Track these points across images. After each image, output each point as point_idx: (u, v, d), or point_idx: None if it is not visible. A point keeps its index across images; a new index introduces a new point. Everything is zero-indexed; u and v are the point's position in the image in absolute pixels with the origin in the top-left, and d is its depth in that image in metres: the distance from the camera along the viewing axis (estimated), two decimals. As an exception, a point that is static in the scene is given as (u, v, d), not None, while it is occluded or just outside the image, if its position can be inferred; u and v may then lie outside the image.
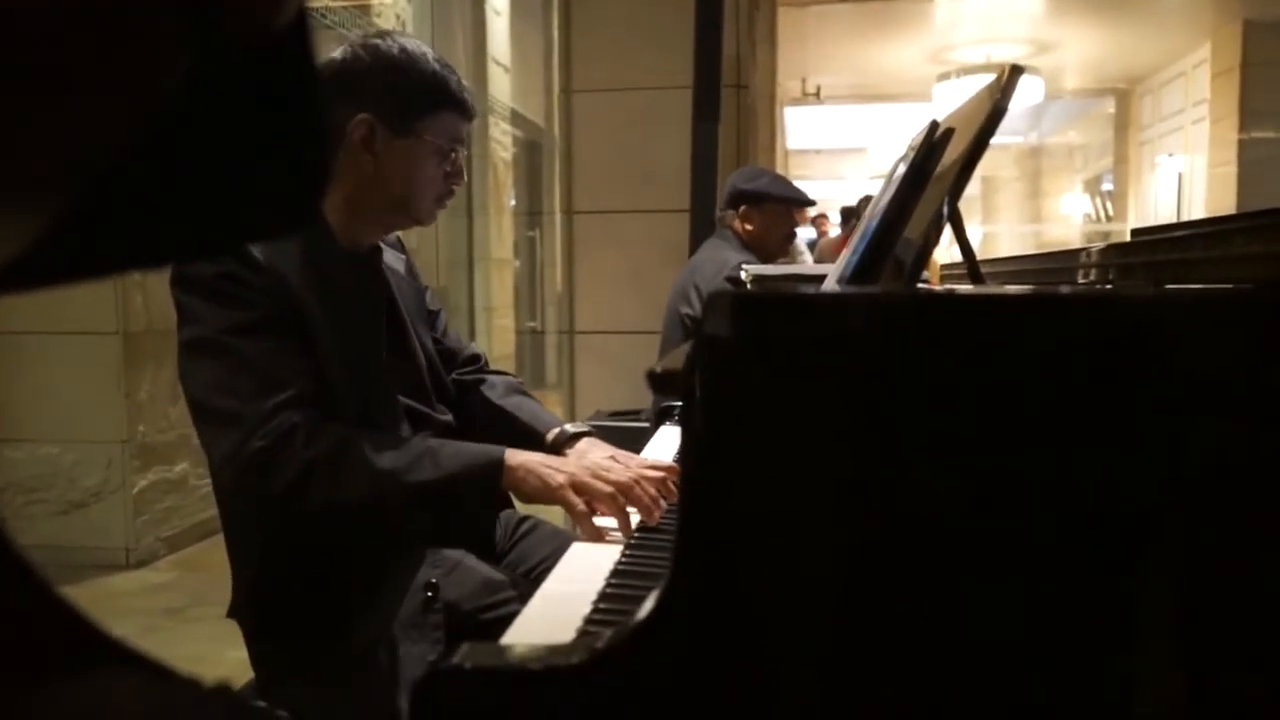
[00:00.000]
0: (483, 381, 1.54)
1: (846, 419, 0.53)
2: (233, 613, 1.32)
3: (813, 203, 2.63)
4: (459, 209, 7.41)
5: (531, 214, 8.92)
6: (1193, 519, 0.50)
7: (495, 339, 7.66)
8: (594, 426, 2.93)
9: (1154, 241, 0.77)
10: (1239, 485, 0.50)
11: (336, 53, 1.29)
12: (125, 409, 3.67)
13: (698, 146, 2.97)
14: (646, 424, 2.67)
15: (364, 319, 1.32)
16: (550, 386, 6.43)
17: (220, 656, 2.67)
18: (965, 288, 0.59)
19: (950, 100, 9.14)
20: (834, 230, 8.81)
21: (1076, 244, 12.96)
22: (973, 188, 17.03)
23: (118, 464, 3.68)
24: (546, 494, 1.20)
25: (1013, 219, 14.95)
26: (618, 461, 1.28)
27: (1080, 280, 0.98)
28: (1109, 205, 12.05)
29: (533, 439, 1.40)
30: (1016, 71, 0.82)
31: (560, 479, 1.19)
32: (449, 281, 7.54)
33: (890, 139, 13.41)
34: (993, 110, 0.83)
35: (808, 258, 6.88)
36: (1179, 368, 0.50)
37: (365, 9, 6.02)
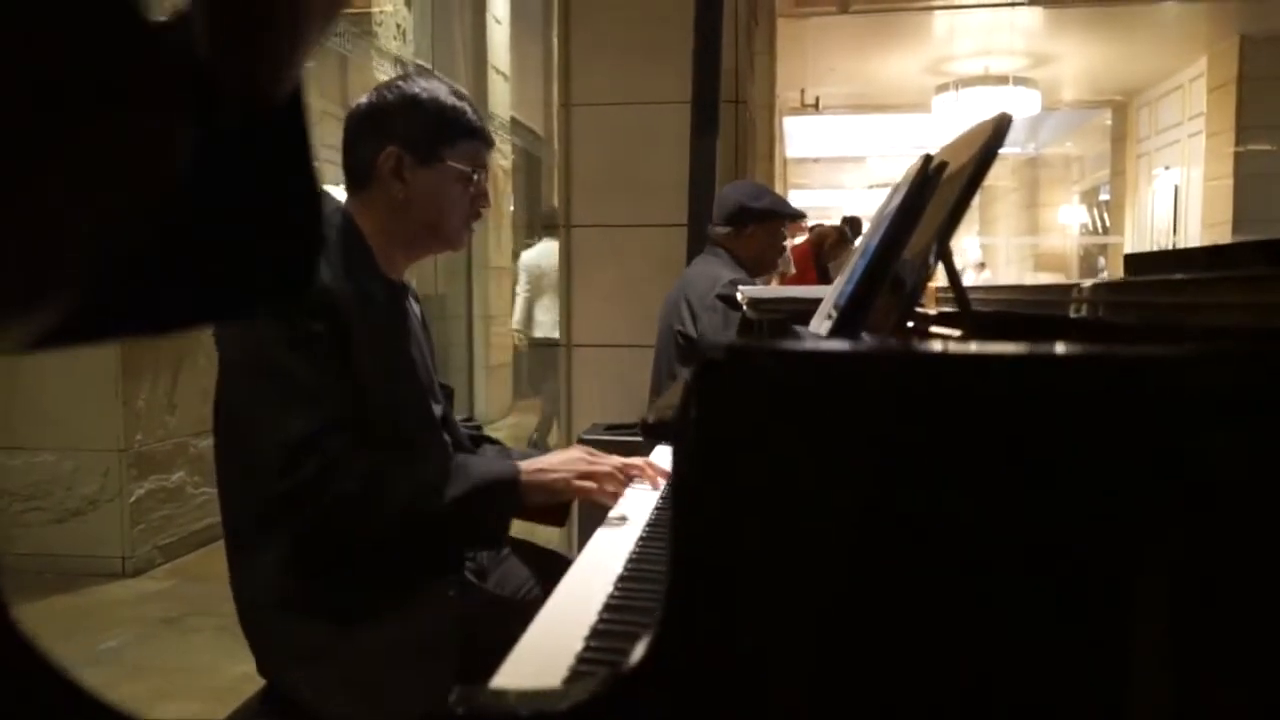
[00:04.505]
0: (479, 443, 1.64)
1: (836, 473, 0.54)
2: (246, 618, 1.35)
3: (803, 215, 2.66)
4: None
5: (530, 222, 8.94)
6: (1179, 585, 0.52)
7: (493, 346, 7.68)
8: (590, 440, 2.95)
9: (1148, 283, 0.78)
10: (1221, 554, 0.51)
11: (364, 97, 1.42)
12: (123, 418, 3.68)
13: (696, 162, 2.98)
14: (640, 439, 2.68)
15: (402, 341, 1.42)
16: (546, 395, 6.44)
17: (215, 667, 2.68)
18: (952, 344, 0.61)
19: (949, 111, 9.18)
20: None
21: (1074, 255, 13.01)
22: (970, 197, 17.10)
23: (115, 472, 3.69)
24: (560, 489, 1.32)
25: (1010, 229, 14.99)
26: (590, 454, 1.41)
27: (1071, 312, 1.00)
28: (1106, 216, 12.10)
29: None
30: (1007, 119, 0.84)
31: (566, 474, 1.32)
32: (448, 289, 7.56)
33: (889, 148, 13.47)
34: (983, 155, 0.84)
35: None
36: (1165, 429, 0.52)
37: (366, 18, 6.04)
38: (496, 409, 7.66)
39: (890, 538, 0.54)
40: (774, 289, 1.74)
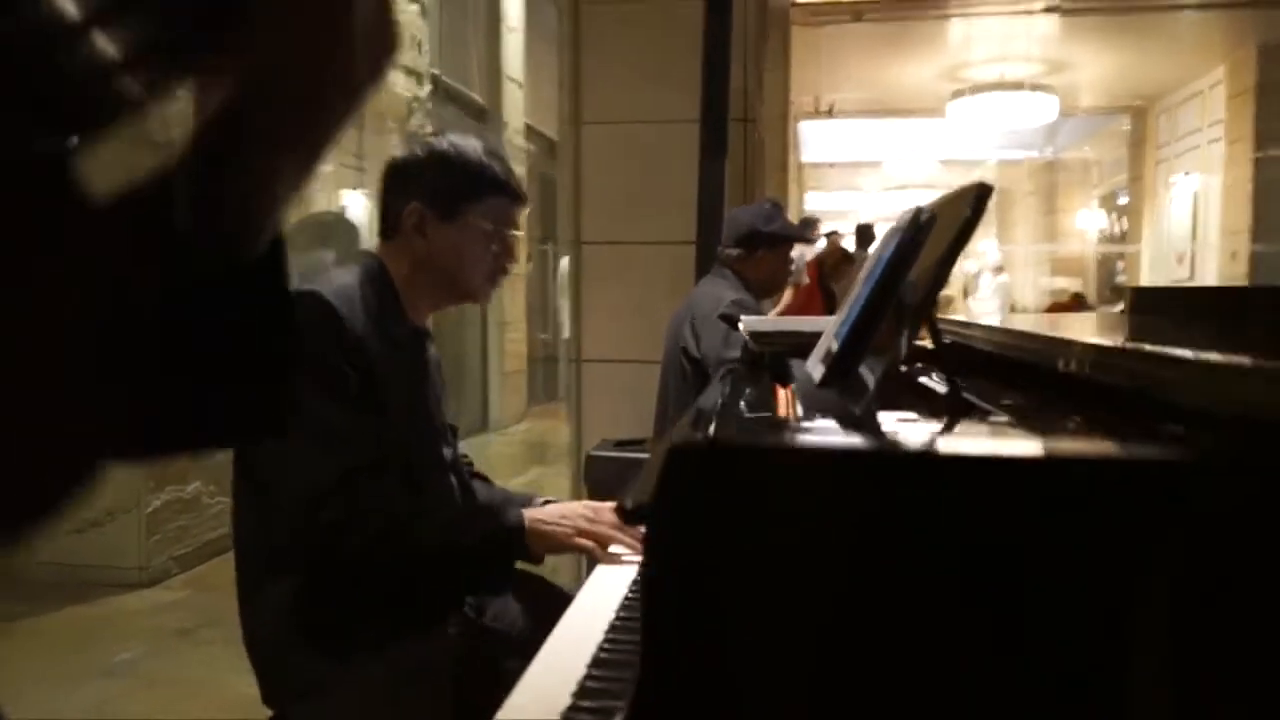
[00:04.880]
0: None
1: (796, 563, 0.56)
2: (251, 642, 1.38)
3: (812, 241, 2.67)
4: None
5: (545, 230, 8.97)
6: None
7: (508, 354, 7.72)
8: (599, 457, 2.97)
9: (1143, 355, 0.79)
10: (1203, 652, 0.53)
11: (399, 150, 1.49)
12: (139, 429, 3.72)
13: (705, 182, 3.00)
14: (648, 455, 2.70)
15: (420, 386, 1.49)
16: (561, 400, 6.47)
17: (223, 682, 2.72)
18: (921, 444, 0.62)
19: (964, 116, 9.15)
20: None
21: (1092, 261, 12.91)
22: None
23: (131, 483, 3.74)
24: (561, 543, 1.36)
25: (1028, 233, 14.91)
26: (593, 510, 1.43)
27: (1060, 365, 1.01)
28: (1125, 221, 12.02)
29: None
30: (988, 190, 0.85)
31: (568, 530, 1.35)
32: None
33: (906, 152, 13.42)
34: (964, 224, 0.86)
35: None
36: (1128, 534, 0.53)
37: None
38: (510, 415, 7.70)
39: (850, 628, 0.56)
40: (775, 321, 1.76)
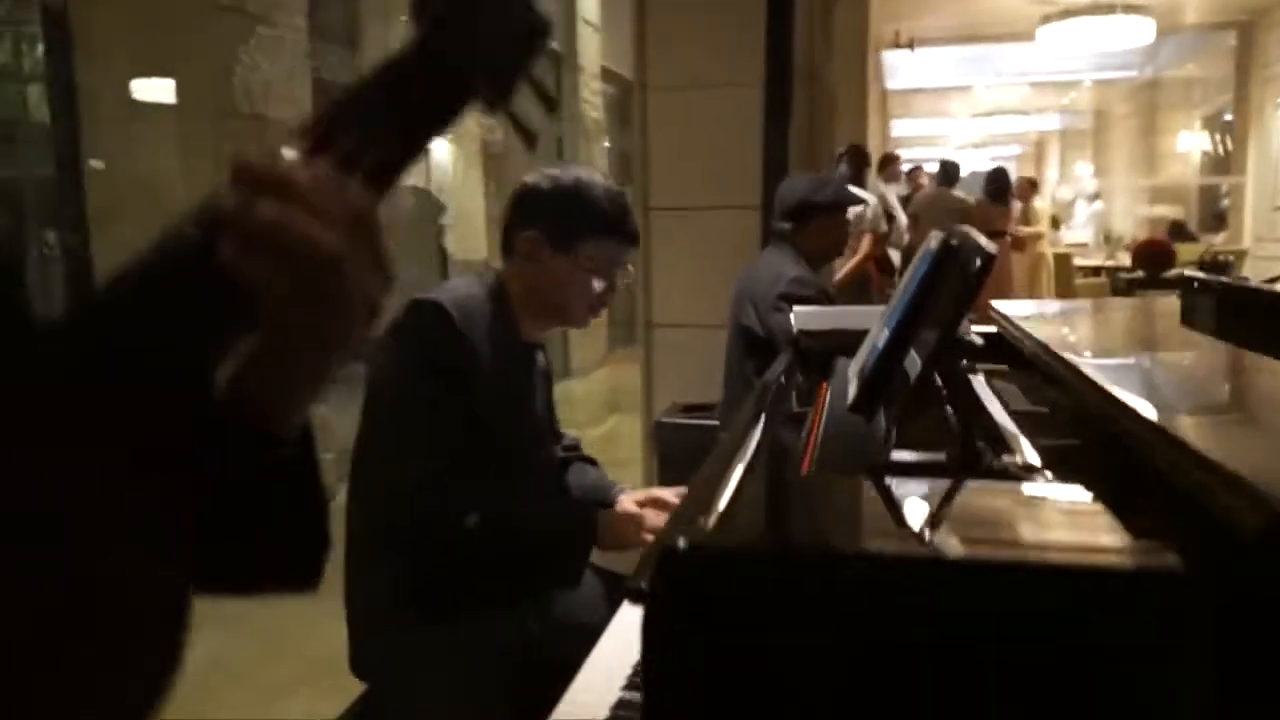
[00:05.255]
0: (569, 464, 1.83)
1: (781, 664, 0.63)
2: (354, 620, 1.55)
3: (865, 202, 2.64)
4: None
5: (623, 179, 8.97)
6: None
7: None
8: (667, 423, 3.05)
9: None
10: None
11: (530, 176, 1.59)
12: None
13: (769, 147, 3.01)
14: (715, 423, 2.77)
15: (526, 398, 1.63)
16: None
17: (314, 636, 2.91)
18: (900, 543, 0.67)
19: (1054, 40, 8.76)
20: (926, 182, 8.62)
21: (1193, 190, 12.33)
22: (1083, 123, 16.24)
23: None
24: (631, 541, 1.52)
25: (1125, 157, 14.28)
26: (659, 502, 1.60)
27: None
28: (1228, 142, 11.43)
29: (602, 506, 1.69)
30: (991, 258, 0.89)
31: (636, 528, 1.52)
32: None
33: (994, 77, 12.94)
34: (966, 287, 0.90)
35: (900, 213, 6.69)
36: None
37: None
38: (591, 361, 7.83)
39: None
40: (824, 314, 1.79)
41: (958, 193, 7.61)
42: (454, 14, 0.47)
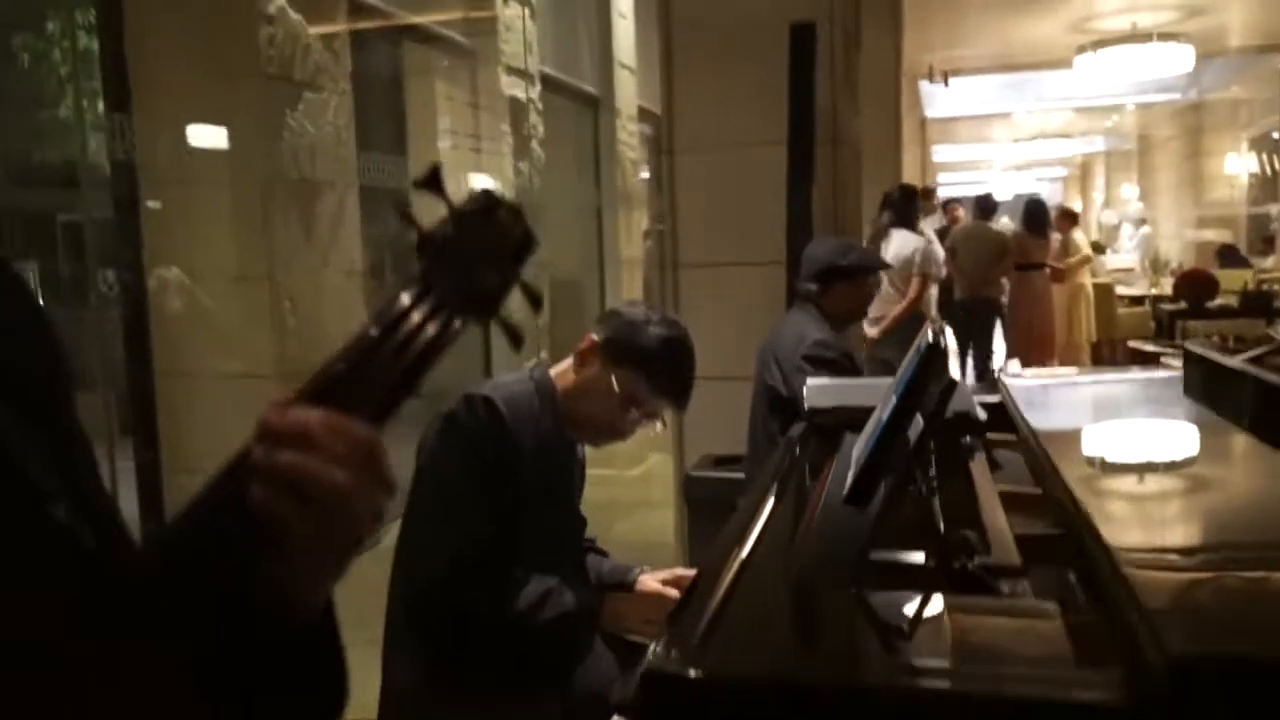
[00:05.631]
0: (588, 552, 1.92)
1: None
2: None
3: (889, 266, 2.71)
4: (589, 211, 7.66)
5: (661, 209, 9.08)
6: None
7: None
8: (696, 477, 3.12)
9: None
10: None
11: (629, 310, 1.72)
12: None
13: (793, 206, 3.09)
14: (742, 475, 2.85)
15: (568, 485, 1.74)
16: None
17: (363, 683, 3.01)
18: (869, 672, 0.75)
19: (1092, 70, 8.73)
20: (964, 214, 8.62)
21: (1242, 216, 12.14)
22: (1128, 144, 16.08)
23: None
24: (632, 630, 1.66)
25: (1170, 180, 14.12)
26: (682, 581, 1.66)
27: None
28: (1276, 163, 11.27)
29: (622, 587, 1.77)
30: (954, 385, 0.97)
31: (639, 621, 1.65)
32: (581, 276, 7.83)
33: (1034, 103, 12.90)
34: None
35: (937, 248, 6.66)
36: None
37: (492, 21, 6.27)
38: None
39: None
40: (833, 389, 1.87)
41: (995, 225, 7.61)
42: (449, 251, 0.56)
